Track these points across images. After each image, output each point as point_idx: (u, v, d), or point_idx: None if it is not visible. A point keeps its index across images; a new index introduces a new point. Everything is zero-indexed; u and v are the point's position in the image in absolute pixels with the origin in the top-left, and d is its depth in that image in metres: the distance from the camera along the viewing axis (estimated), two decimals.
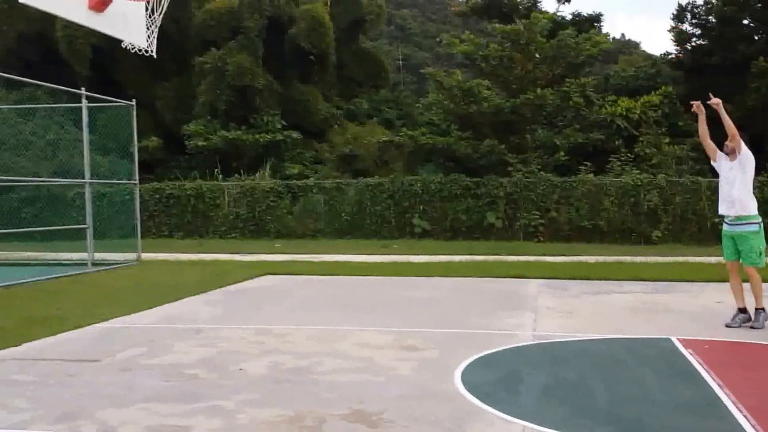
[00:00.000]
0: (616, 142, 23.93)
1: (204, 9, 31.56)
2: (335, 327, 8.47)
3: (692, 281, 12.23)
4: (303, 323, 8.70)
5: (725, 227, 8.48)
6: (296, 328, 8.37)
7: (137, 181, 17.26)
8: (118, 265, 15.35)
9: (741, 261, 8.28)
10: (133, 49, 9.03)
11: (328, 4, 33.75)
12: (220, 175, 25.86)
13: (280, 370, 6.41)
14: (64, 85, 16.32)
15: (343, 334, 8.04)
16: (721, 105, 8.27)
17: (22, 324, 8.52)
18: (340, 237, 22.13)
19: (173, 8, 29.24)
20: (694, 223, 20.06)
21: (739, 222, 8.21)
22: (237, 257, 17.06)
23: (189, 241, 21.95)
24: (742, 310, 8.31)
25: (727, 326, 8.19)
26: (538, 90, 23.03)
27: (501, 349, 7.21)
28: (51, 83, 15.92)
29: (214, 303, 10.42)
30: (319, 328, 8.39)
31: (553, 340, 7.67)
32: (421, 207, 22.05)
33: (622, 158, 22.40)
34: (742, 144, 8.32)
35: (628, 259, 15.58)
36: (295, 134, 28.92)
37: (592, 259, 15.47)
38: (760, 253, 8.16)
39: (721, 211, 8.42)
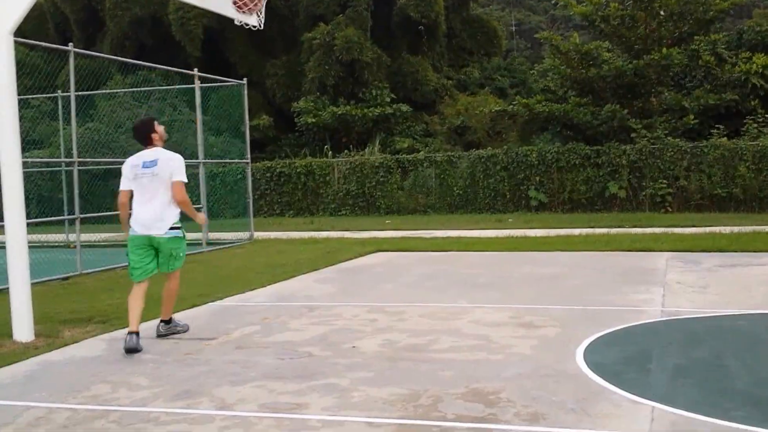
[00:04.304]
0: (752, 103, 22.78)
1: None
2: (450, 304, 8.46)
3: None
4: (416, 300, 8.73)
5: None
6: (410, 306, 8.40)
7: (249, 160, 17.73)
8: (231, 245, 15.87)
9: None
10: (246, 25, 9.25)
11: None
12: (330, 152, 26.26)
13: (394, 348, 6.45)
14: (177, 67, 16.95)
15: (458, 311, 8.02)
16: None
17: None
18: (452, 212, 22.10)
19: None
20: None
21: None
22: (348, 234, 17.30)
23: (300, 219, 22.48)
24: None
25: None
26: (664, 50, 22.16)
27: (627, 326, 7.01)
28: (164, 65, 16.53)
29: (326, 281, 10.62)
30: (433, 306, 8.39)
31: (684, 317, 7.40)
32: (537, 178, 21.70)
33: (759, 120, 21.30)
34: None
35: (767, 228, 14.83)
36: (404, 107, 29.00)
37: (726, 229, 14.81)
38: None
39: None
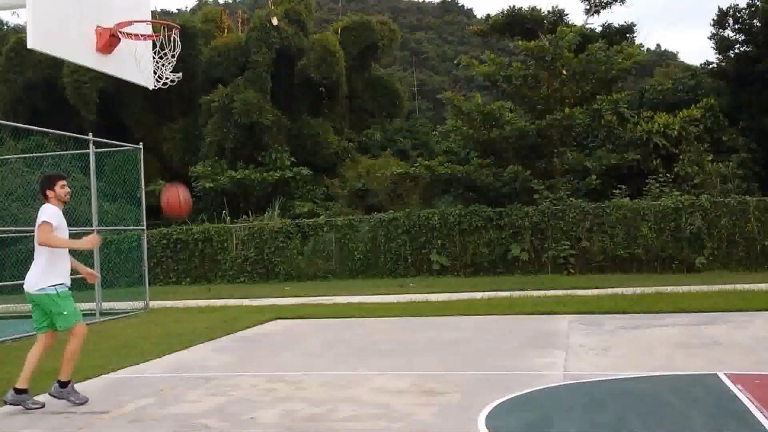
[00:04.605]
0: (654, 162, 23.81)
1: (210, 46, 32.25)
2: (351, 372, 8.51)
3: (741, 311, 12.15)
4: (317, 369, 8.75)
5: None
6: (309, 374, 8.41)
7: (144, 227, 17.54)
8: (126, 314, 15.62)
9: None
10: (164, 84, 9.28)
11: (339, 31, 34.21)
12: (228, 217, 26.12)
13: (294, 419, 6.46)
14: (71, 131, 16.80)
15: (359, 379, 8.08)
16: None
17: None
18: (354, 277, 22.22)
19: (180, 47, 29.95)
20: (741, 248, 19.93)
21: None
22: (246, 302, 17.19)
23: (197, 287, 22.19)
24: None
25: None
26: (566, 109, 23.04)
27: (529, 390, 7.19)
28: (58, 130, 16.41)
29: (224, 350, 10.55)
30: (333, 374, 8.43)
31: (587, 380, 7.63)
32: (440, 242, 22.11)
33: (661, 179, 22.26)
34: None
35: (669, 289, 15.49)
36: (304, 171, 29.26)
37: (629, 290, 15.39)
38: None
39: None
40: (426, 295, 16.75)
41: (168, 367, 9.37)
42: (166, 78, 9.15)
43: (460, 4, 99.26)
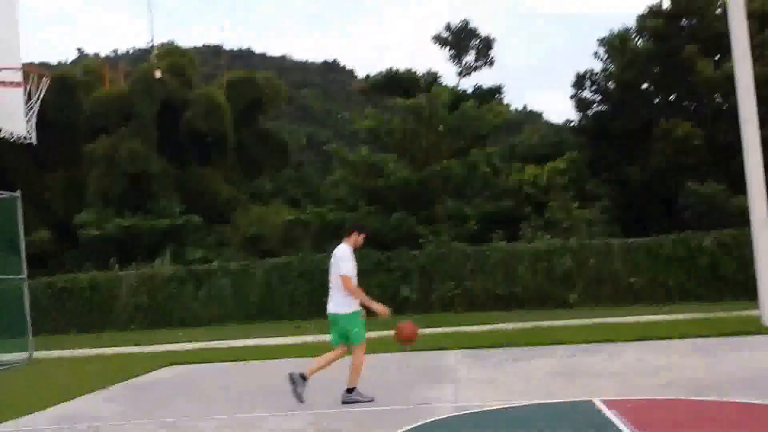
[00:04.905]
0: (526, 209, 24.59)
1: (92, 96, 31.41)
2: (247, 414, 8.24)
3: (611, 342, 12.50)
4: (212, 414, 8.42)
5: None
6: (205, 419, 8.09)
7: (26, 277, 16.66)
8: (8, 366, 14.66)
9: None
10: (12, 138, 8.83)
11: (224, 85, 34.05)
12: (117, 265, 25.16)
13: None
14: None
15: (256, 421, 7.83)
16: None
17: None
18: (250, 321, 21.75)
19: (60, 97, 29.29)
20: (608, 285, 20.58)
21: None
22: (138, 349, 16.50)
23: (86, 336, 21.13)
24: None
25: None
26: (444, 161, 23.57)
27: (420, 423, 7.13)
28: None
29: (114, 399, 10.02)
30: (230, 418, 8.13)
31: (474, 411, 7.64)
32: None
33: (533, 224, 22.98)
34: None
35: (546, 324, 15.81)
36: (195, 218, 28.65)
37: (510, 326, 15.63)
38: None
39: None
40: (322, 336, 16.48)
41: (54, 419, 8.76)
42: (27, 134, 8.77)
43: (341, 65, 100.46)
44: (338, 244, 8.57)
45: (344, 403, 8.23)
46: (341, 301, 8.34)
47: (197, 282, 22.90)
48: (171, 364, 13.30)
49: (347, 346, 8.49)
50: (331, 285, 8.48)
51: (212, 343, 16.66)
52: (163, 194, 29.26)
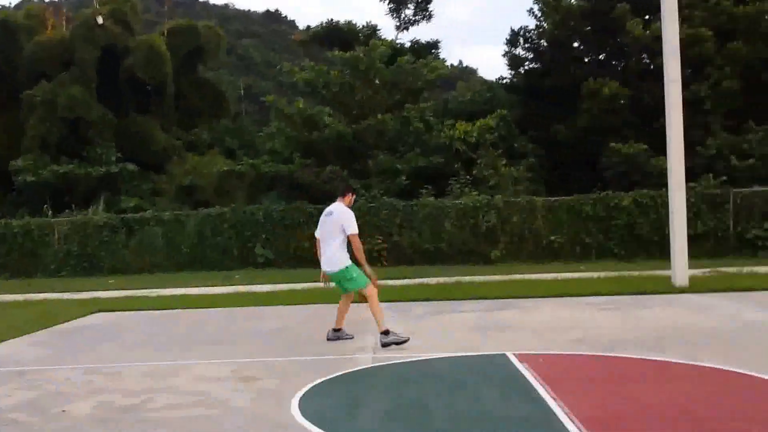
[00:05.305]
0: (456, 165, 24.60)
1: (34, 41, 30.31)
2: (171, 362, 8.17)
3: (528, 297, 12.73)
4: (136, 360, 8.33)
5: None
6: (128, 366, 8.00)
7: None
8: None
9: None
10: None
11: (165, 33, 33.14)
12: (50, 211, 24.47)
13: (108, 410, 6.10)
14: None
15: (179, 368, 7.76)
16: None
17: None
18: (180, 270, 21.46)
19: (1, 40, 28.05)
20: (530, 242, 20.87)
21: None
22: (68, 296, 16.13)
23: (16, 282, 20.59)
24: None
25: None
26: (379, 116, 23.43)
27: (341, 373, 7.18)
28: None
29: (40, 344, 9.84)
30: (153, 365, 8.06)
31: (393, 362, 7.71)
32: (264, 236, 21.79)
33: (462, 181, 23.05)
34: None
35: (468, 279, 16.00)
36: (131, 166, 28.02)
37: (434, 281, 15.78)
38: None
39: None
40: (250, 286, 16.45)
41: None
42: None
43: (284, 15, 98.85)
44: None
45: (383, 345, 8.35)
46: (333, 259, 8.58)
47: (129, 230, 22.45)
48: (99, 311, 13.10)
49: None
50: (325, 238, 8.74)
51: (141, 291, 16.40)
52: (101, 141, 28.53)
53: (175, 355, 8.57)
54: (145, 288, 16.92)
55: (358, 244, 8.53)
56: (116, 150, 28.56)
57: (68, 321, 11.97)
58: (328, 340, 8.98)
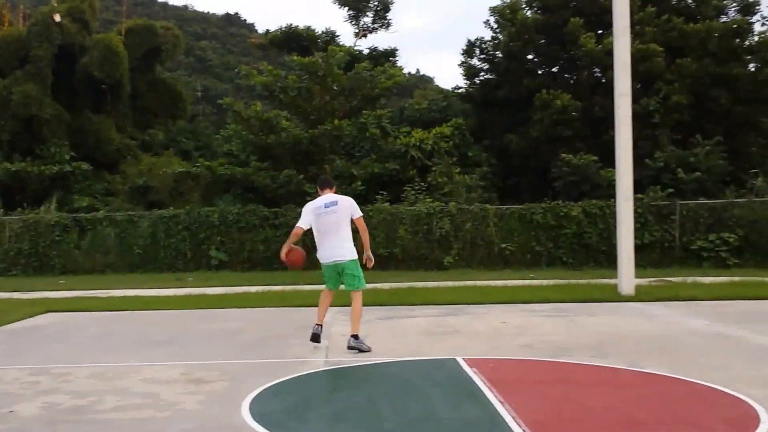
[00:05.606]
0: (411, 172, 24.74)
1: None
2: (121, 364, 8.06)
3: (480, 303, 12.85)
4: (86, 361, 8.21)
5: None
6: (77, 367, 7.87)
7: None
8: None
9: None
10: None
11: (122, 33, 32.74)
12: (1, 209, 23.95)
13: (56, 411, 6.00)
14: None
15: (129, 370, 7.67)
16: None
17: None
18: (133, 271, 21.20)
19: None
20: (482, 249, 21.06)
21: None
22: (17, 295, 15.81)
23: None
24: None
25: None
26: (336, 121, 23.42)
27: (293, 377, 7.16)
28: None
29: None
30: (103, 366, 7.94)
31: (345, 366, 7.73)
32: (219, 238, 21.63)
33: (416, 187, 23.18)
34: None
35: (420, 284, 16.06)
36: (84, 165, 27.62)
37: (386, 285, 15.79)
38: None
39: None
40: (203, 288, 16.31)
41: None
42: None
43: (243, 19, 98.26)
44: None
45: (349, 348, 8.39)
46: (346, 247, 8.52)
47: (81, 230, 22.10)
48: (48, 311, 12.86)
49: (348, 292, 8.70)
50: (329, 229, 8.55)
51: (92, 291, 16.14)
52: (55, 140, 28.07)
53: (124, 357, 8.46)
54: (97, 288, 16.68)
55: (365, 226, 8.67)
56: (70, 149, 28.18)
57: (17, 321, 11.74)
58: (318, 326, 8.74)
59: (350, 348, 8.40)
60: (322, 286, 8.97)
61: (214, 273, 20.64)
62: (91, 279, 19.63)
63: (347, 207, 8.53)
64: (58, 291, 16.51)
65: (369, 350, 8.40)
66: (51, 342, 9.75)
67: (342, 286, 8.78)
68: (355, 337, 8.49)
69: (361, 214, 8.66)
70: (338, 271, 8.60)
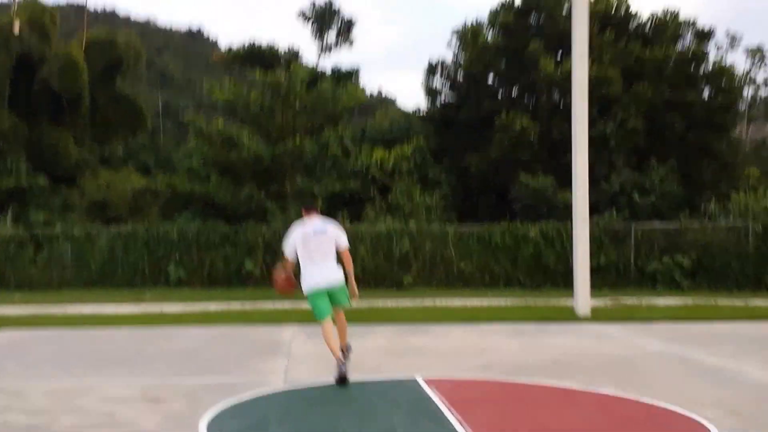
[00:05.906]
0: (372, 192, 24.79)
1: None
2: (77, 382, 7.94)
3: (439, 323, 12.90)
4: (40, 380, 8.06)
5: None
6: (32, 385, 7.73)
7: None
8: None
9: None
10: None
11: (83, 44, 32.38)
12: None
13: (11, 429, 5.92)
14: None
15: (85, 389, 7.55)
16: None
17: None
18: (90, 288, 20.85)
19: None
20: (441, 269, 21.14)
21: None
22: None
23: None
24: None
25: None
26: (298, 139, 23.43)
27: (252, 397, 7.12)
28: None
29: None
30: (58, 384, 7.81)
31: (305, 386, 7.70)
32: (178, 255, 21.41)
33: (377, 207, 23.22)
34: None
35: (380, 303, 16.10)
36: (41, 180, 27.15)
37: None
38: None
39: None
40: (162, 306, 16.13)
41: None
42: None
43: (206, 35, 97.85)
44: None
45: (345, 359, 8.02)
46: (338, 273, 8.10)
47: (38, 245, 21.70)
48: (1, 327, 12.59)
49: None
50: (319, 255, 8.04)
51: (48, 308, 15.86)
52: (11, 153, 27.59)
53: (81, 375, 8.34)
54: (53, 305, 16.40)
55: (350, 258, 8.29)
56: (27, 162, 27.66)
57: None
58: (342, 363, 7.86)
59: (346, 359, 8.12)
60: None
61: (173, 290, 20.39)
62: (47, 295, 19.25)
63: (334, 236, 8.17)
64: (12, 307, 16.16)
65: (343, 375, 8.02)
66: (5, 360, 9.55)
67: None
68: (348, 347, 8.32)
69: (348, 245, 8.26)
70: (328, 292, 8.14)
